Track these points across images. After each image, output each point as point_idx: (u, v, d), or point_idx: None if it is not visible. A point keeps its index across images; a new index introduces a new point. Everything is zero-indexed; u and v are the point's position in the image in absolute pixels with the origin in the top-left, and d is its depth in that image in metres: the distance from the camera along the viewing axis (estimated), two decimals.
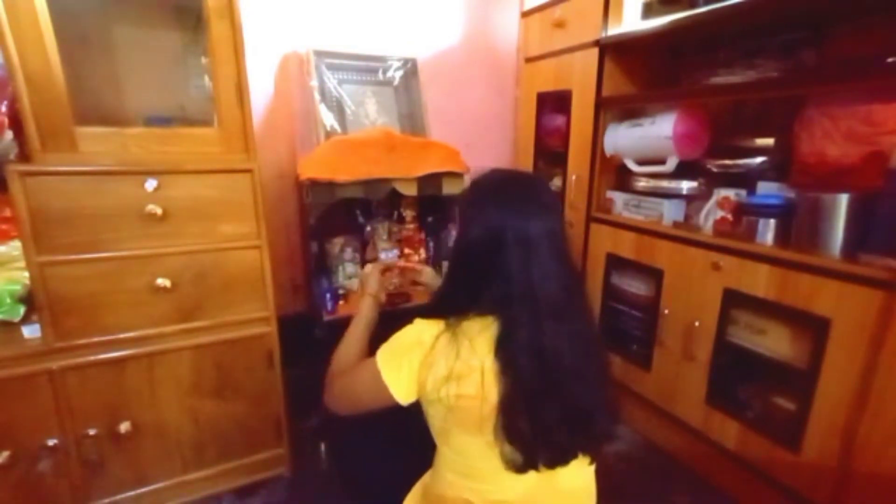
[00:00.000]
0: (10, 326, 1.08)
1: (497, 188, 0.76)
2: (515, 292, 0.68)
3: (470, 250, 0.75)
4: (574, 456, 0.71)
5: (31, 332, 1.04)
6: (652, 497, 1.34)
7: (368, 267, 1.13)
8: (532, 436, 0.66)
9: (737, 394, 1.31)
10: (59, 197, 0.99)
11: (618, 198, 1.65)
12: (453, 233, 1.71)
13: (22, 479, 1.06)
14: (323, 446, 1.46)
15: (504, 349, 0.67)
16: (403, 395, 0.73)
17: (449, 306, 0.74)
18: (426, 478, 0.82)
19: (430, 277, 1.18)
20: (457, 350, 0.69)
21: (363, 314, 0.98)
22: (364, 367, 0.79)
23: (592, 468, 0.78)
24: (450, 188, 1.56)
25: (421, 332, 0.74)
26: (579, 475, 0.76)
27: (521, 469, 0.68)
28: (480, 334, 0.69)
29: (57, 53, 0.96)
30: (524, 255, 0.69)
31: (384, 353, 0.76)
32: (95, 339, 1.07)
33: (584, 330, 0.73)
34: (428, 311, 0.76)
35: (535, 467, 0.68)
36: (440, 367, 0.69)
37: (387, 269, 1.15)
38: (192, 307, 1.15)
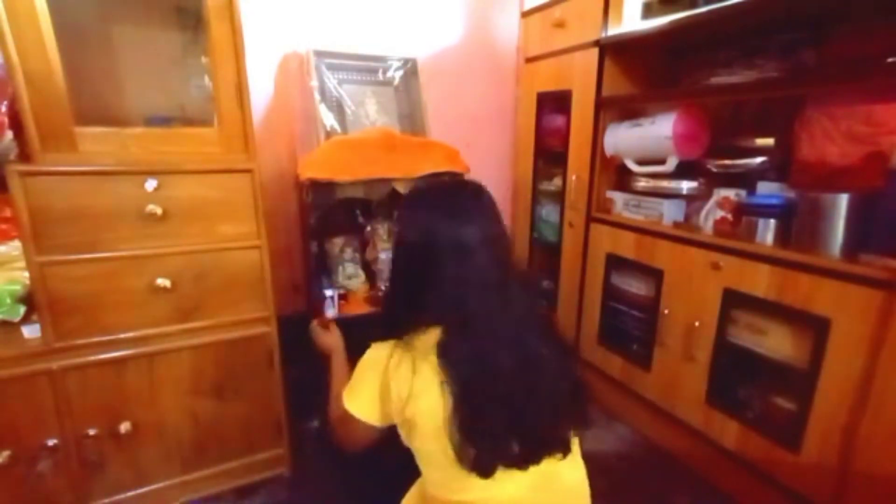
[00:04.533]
0: (10, 326, 1.08)
1: (428, 196, 0.77)
2: (449, 302, 0.68)
3: (403, 260, 0.75)
4: (535, 462, 0.69)
5: (31, 332, 1.04)
6: (652, 497, 1.33)
7: (315, 329, 1.08)
8: (480, 440, 0.66)
9: (737, 394, 1.31)
10: (59, 197, 0.99)
11: (618, 198, 1.65)
12: None
13: (22, 479, 1.06)
14: (321, 444, 1.46)
15: (442, 358, 0.67)
16: (376, 418, 0.75)
17: (395, 323, 0.74)
18: (423, 479, 0.82)
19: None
20: (412, 368, 0.69)
21: (341, 366, 0.98)
22: (345, 414, 0.79)
23: (582, 464, 0.78)
24: None
25: (375, 354, 0.75)
26: (574, 470, 0.76)
27: (481, 473, 0.67)
28: (434, 348, 0.69)
29: (57, 53, 0.96)
30: (455, 261, 0.69)
31: (346, 393, 0.78)
32: (95, 339, 1.07)
33: (531, 339, 0.71)
34: (379, 334, 0.77)
35: (489, 471, 0.67)
36: (398, 390, 0.70)
37: (326, 324, 1.11)
38: (191, 307, 1.15)
